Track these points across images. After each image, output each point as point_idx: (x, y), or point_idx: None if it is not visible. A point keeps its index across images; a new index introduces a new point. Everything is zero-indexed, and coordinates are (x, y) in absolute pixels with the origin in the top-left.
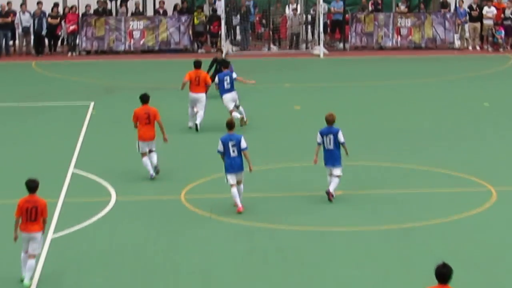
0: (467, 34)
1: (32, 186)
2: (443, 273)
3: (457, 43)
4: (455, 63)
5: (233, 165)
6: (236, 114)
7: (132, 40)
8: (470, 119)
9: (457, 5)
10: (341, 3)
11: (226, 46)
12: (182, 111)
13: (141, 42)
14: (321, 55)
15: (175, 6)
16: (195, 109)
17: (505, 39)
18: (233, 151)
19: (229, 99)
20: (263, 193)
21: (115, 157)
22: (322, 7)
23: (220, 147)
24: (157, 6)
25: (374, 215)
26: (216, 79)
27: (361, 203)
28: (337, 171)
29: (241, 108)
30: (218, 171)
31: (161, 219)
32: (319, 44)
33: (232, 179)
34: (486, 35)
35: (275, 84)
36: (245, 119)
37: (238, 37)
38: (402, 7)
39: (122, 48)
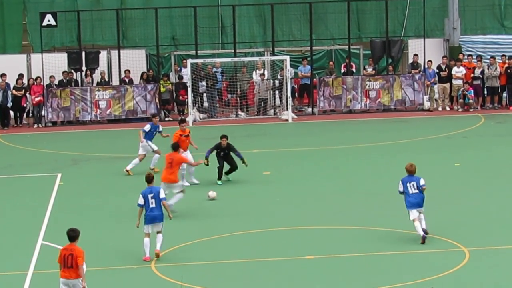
0: (436, 95)
1: (71, 235)
2: None
3: (427, 104)
4: (425, 124)
5: (152, 216)
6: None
7: (98, 110)
8: (441, 180)
9: (426, 66)
10: (309, 67)
11: (193, 114)
12: None
13: (108, 112)
14: (290, 120)
15: (142, 75)
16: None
17: (475, 99)
18: (152, 203)
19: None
20: (231, 260)
21: (83, 226)
22: (289, 71)
23: (141, 200)
24: (122, 75)
25: (347, 278)
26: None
27: (336, 267)
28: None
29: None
30: (188, 239)
31: None
32: (287, 109)
33: (147, 229)
34: (456, 96)
35: (244, 150)
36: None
37: (206, 104)
38: (369, 70)
39: (88, 118)
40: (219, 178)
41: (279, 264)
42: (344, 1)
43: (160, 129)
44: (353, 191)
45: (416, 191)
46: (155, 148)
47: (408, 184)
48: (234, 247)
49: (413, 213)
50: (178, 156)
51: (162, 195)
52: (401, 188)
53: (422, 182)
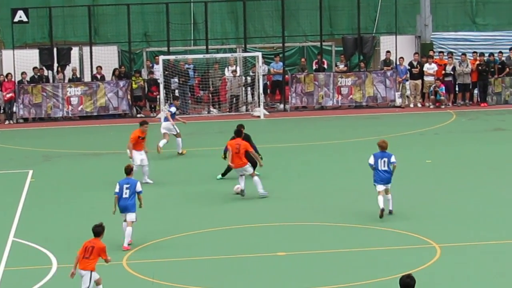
0: (408, 92)
1: (96, 231)
2: (408, 283)
3: (399, 101)
4: (397, 120)
5: (123, 206)
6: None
7: (70, 107)
8: (412, 176)
9: (398, 62)
10: (281, 64)
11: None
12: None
13: (79, 108)
14: (262, 117)
15: (114, 71)
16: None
17: (446, 96)
18: (125, 193)
19: None
20: (202, 256)
21: (55, 224)
22: (262, 68)
23: (117, 188)
24: (94, 71)
25: (319, 274)
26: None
27: (308, 263)
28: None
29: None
30: (160, 236)
31: (104, 285)
32: (259, 105)
33: (123, 216)
34: (427, 92)
35: (216, 147)
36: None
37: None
38: (341, 66)
39: (60, 114)
40: (224, 174)
41: (251, 261)
42: None
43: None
44: (325, 187)
45: (386, 168)
46: (178, 130)
47: (379, 160)
48: (206, 244)
49: (380, 187)
50: (244, 142)
51: (138, 188)
52: (372, 161)
53: (393, 159)
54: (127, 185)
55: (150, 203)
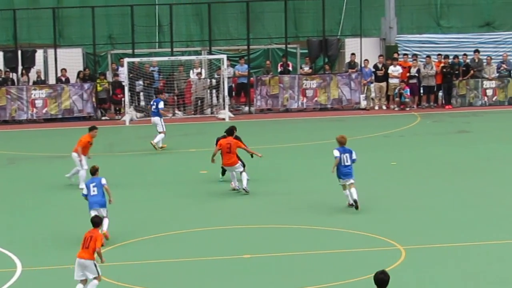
0: (373, 94)
1: (95, 221)
2: (381, 278)
3: (364, 103)
4: (362, 123)
5: (92, 201)
6: None
7: (34, 109)
8: (377, 178)
9: (363, 65)
10: (246, 66)
11: (130, 113)
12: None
13: (44, 111)
14: (227, 119)
15: (78, 74)
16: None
17: (411, 98)
18: (94, 191)
19: None
20: (168, 259)
21: (20, 227)
22: (226, 70)
23: (85, 190)
24: (59, 74)
25: (284, 277)
26: None
27: (274, 266)
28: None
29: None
30: (125, 239)
31: None
32: (224, 108)
33: (93, 213)
34: (392, 95)
35: (181, 149)
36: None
37: (142, 103)
38: (306, 69)
39: (24, 117)
40: (223, 174)
41: (216, 263)
42: (281, 0)
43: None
44: (289, 190)
45: (349, 163)
46: (164, 128)
47: (343, 156)
48: (171, 246)
49: (344, 181)
50: (235, 140)
51: (104, 181)
52: (337, 154)
53: (354, 156)
54: (93, 183)
55: (115, 206)
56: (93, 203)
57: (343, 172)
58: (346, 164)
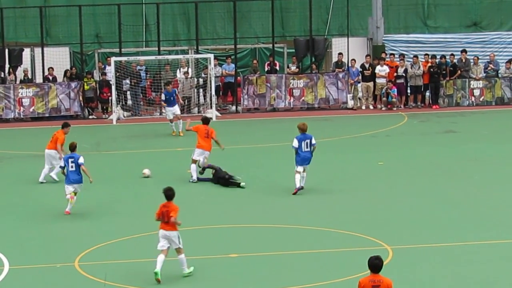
0: (360, 94)
1: (168, 194)
2: (376, 264)
3: (351, 103)
4: (349, 122)
5: (71, 178)
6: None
7: (21, 108)
8: (364, 178)
9: (350, 64)
10: (233, 65)
11: (117, 112)
12: None
13: (31, 110)
14: (214, 118)
15: (65, 72)
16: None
17: (398, 98)
18: (72, 167)
19: None
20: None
21: (7, 226)
22: (213, 70)
23: (62, 163)
24: (46, 73)
25: (271, 277)
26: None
27: (259, 265)
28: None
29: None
30: (112, 237)
31: (55, 287)
32: (211, 107)
33: (68, 189)
34: (379, 94)
35: (168, 148)
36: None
37: (129, 102)
38: (293, 68)
39: (11, 116)
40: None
41: (202, 262)
42: None
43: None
44: (276, 189)
45: (308, 149)
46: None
47: (302, 142)
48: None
49: (300, 168)
50: (211, 128)
51: (81, 161)
52: (296, 145)
53: (313, 141)
54: (72, 159)
55: (101, 204)
56: (70, 179)
57: (302, 156)
58: (306, 150)
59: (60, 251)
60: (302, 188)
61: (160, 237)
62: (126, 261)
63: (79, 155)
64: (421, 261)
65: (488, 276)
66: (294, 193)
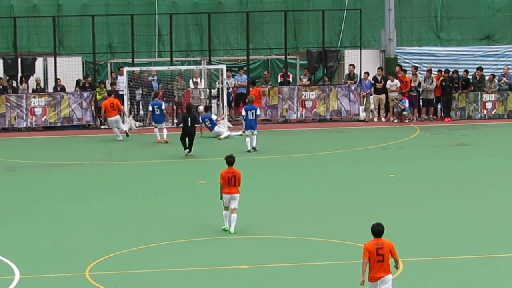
0: (372, 106)
1: (229, 161)
2: (378, 229)
3: (363, 115)
4: (361, 134)
5: (156, 119)
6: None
7: (33, 117)
8: (376, 190)
9: (362, 77)
10: (245, 76)
11: (129, 122)
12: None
13: (43, 119)
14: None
15: (77, 82)
16: None
17: (409, 109)
18: (157, 111)
19: None
20: (166, 268)
21: (18, 235)
22: (227, 81)
23: (150, 108)
24: (58, 82)
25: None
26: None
27: (270, 277)
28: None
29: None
30: (123, 247)
31: None
32: (223, 118)
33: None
34: (392, 107)
35: (179, 159)
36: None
37: (141, 112)
38: (304, 80)
39: (24, 125)
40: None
41: (213, 273)
42: (281, 11)
43: (163, 106)
44: (287, 200)
45: (253, 118)
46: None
47: (249, 112)
48: (169, 256)
49: (248, 132)
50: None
51: (163, 106)
52: (243, 113)
53: (258, 112)
54: (156, 106)
55: (113, 215)
56: (156, 120)
57: (248, 123)
58: (251, 118)
59: (70, 260)
60: (254, 148)
61: (228, 198)
62: (137, 271)
63: (161, 101)
64: (432, 274)
65: None
66: (249, 152)
